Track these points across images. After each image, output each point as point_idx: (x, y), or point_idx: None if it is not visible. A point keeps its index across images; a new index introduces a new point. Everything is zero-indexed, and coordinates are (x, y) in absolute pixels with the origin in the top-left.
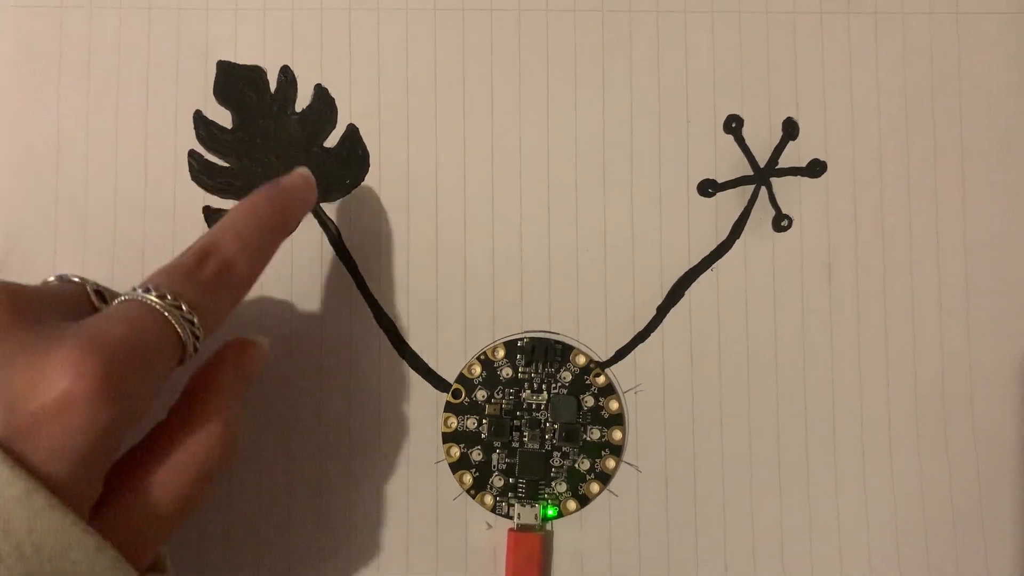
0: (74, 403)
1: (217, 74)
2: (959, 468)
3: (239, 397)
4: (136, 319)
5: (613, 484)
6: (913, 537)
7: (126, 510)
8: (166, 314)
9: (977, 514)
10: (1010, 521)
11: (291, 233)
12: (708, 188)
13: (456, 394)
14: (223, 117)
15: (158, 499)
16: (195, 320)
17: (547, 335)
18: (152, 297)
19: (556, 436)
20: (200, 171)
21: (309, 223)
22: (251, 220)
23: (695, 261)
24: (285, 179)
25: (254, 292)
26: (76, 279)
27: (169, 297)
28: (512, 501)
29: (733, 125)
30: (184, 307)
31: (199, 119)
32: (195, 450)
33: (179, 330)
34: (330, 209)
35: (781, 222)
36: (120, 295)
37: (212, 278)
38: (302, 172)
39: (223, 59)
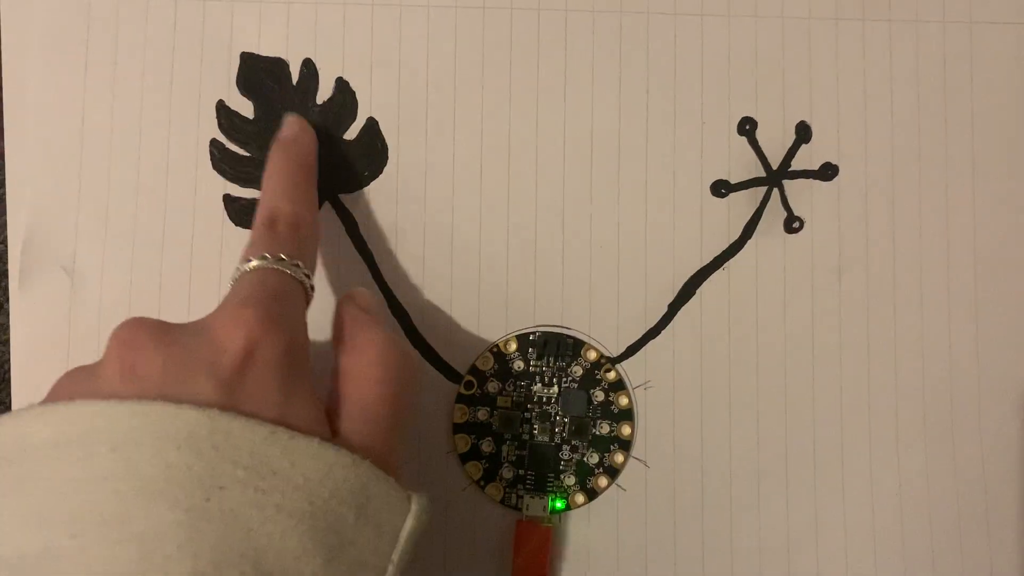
0: (256, 342)
1: (240, 65)
2: (965, 471)
3: (372, 311)
4: (259, 279)
5: (621, 478)
6: (919, 539)
7: (349, 436)
8: (276, 267)
9: (983, 517)
10: (1015, 523)
11: (316, 172)
12: (721, 189)
13: (468, 385)
14: (245, 108)
15: (365, 416)
16: (299, 264)
17: (559, 329)
18: (256, 263)
19: (566, 430)
20: (221, 160)
21: (327, 214)
22: (285, 177)
23: (707, 260)
24: (283, 132)
25: None
26: None
27: (269, 257)
28: (521, 493)
29: (747, 127)
30: (285, 258)
31: (222, 109)
32: (369, 361)
33: (292, 274)
34: (348, 200)
35: (793, 224)
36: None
37: (290, 233)
38: (291, 120)
39: (246, 51)
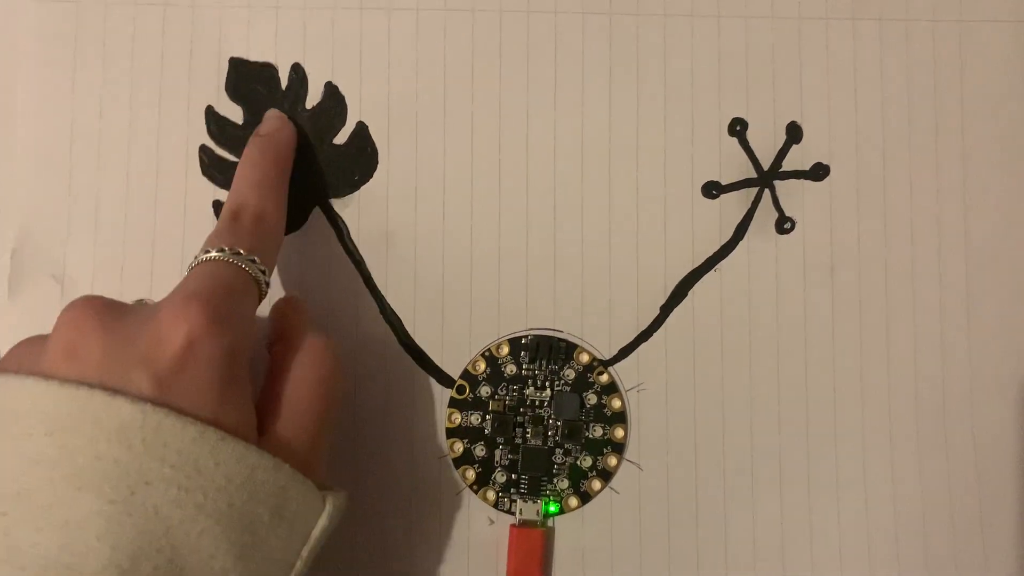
0: (197, 340)
1: (229, 71)
2: (959, 469)
3: (307, 315)
4: (213, 271)
5: (615, 481)
6: (913, 537)
7: (278, 434)
8: (232, 260)
9: (976, 515)
10: (1009, 521)
11: (291, 168)
12: (712, 190)
13: (460, 390)
14: (235, 113)
15: (295, 415)
16: (256, 260)
17: (551, 333)
18: (214, 254)
19: (559, 433)
20: (211, 166)
21: (317, 219)
22: (257, 171)
23: (699, 261)
24: (263, 127)
25: None
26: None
27: (227, 250)
28: (514, 497)
29: (738, 128)
30: (243, 252)
31: (211, 115)
32: (303, 363)
33: (247, 269)
34: (339, 205)
35: (784, 224)
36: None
37: (252, 227)
38: (271, 115)
39: (235, 56)
